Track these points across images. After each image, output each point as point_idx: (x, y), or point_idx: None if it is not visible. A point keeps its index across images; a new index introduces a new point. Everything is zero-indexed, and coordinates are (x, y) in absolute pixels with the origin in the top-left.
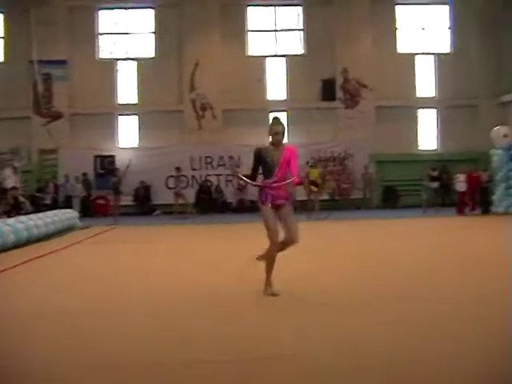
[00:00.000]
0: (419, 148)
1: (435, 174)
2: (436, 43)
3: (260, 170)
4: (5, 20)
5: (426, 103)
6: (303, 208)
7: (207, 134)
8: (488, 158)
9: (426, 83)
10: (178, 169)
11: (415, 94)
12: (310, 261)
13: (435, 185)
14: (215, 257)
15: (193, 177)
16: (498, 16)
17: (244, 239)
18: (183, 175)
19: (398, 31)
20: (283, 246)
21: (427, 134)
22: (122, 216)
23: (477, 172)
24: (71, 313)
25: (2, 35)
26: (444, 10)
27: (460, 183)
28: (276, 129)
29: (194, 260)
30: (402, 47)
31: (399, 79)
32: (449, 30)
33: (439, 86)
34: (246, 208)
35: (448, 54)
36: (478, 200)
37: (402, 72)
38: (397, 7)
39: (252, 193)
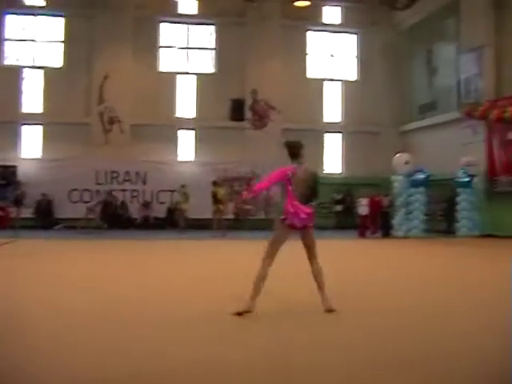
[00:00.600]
0: (324, 171)
1: (339, 197)
2: (344, 70)
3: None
4: None
5: (332, 128)
6: (208, 227)
7: (114, 149)
8: (389, 183)
9: (332, 108)
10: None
11: (322, 118)
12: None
13: (339, 208)
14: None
15: (97, 191)
16: (402, 50)
17: (150, 255)
18: (88, 189)
19: (307, 56)
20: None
21: (332, 158)
22: (22, 229)
23: (379, 197)
24: None
25: None
26: (352, 39)
27: (362, 207)
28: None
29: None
30: (311, 72)
31: (307, 103)
32: (356, 59)
33: (345, 111)
34: (151, 225)
35: (354, 81)
36: (379, 224)
37: (310, 96)
38: (308, 33)
39: (157, 209)
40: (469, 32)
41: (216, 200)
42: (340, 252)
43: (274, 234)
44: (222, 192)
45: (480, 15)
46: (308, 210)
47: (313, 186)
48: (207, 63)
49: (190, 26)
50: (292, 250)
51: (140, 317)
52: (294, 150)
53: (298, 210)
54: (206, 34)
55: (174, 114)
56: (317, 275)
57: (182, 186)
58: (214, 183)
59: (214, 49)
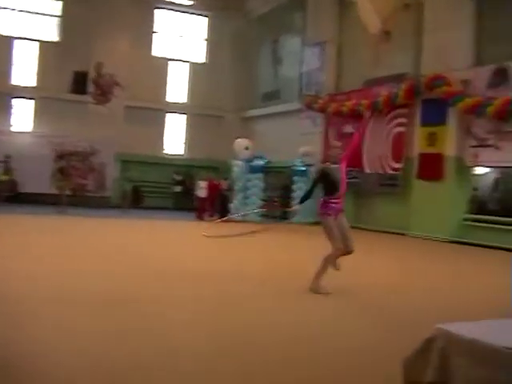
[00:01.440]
0: (165, 152)
1: (179, 178)
2: (192, 52)
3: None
4: None
5: (176, 108)
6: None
7: None
8: (229, 167)
9: (178, 89)
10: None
11: (166, 98)
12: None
13: (178, 189)
14: None
15: None
16: (251, 37)
17: None
18: None
19: (155, 35)
20: (344, 252)
21: (175, 139)
22: None
23: (218, 180)
24: None
25: None
26: (203, 22)
27: (201, 189)
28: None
29: None
30: (159, 51)
31: (152, 82)
32: (205, 42)
33: (191, 93)
34: None
35: (202, 64)
36: (217, 207)
37: (156, 75)
38: (156, 11)
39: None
40: (314, 27)
41: (62, 175)
42: (177, 234)
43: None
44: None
45: (325, 12)
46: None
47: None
48: (51, 31)
49: None
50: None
51: None
52: None
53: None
54: (52, 0)
55: (10, 81)
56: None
57: (7, 157)
58: (61, 157)
59: (60, 16)
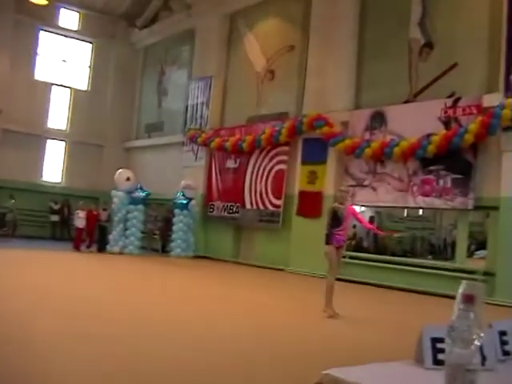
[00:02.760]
0: (43, 179)
1: (57, 207)
2: (74, 78)
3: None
4: None
5: (56, 135)
6: None
7: None
8: (109, 198)
9: (58, 115)
10: None
11: (46, 123)
12: None
13: (56, 218)
14: None
15: None
16: (137, 67)
17: None
18: None
19: (37, 57)
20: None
21: (53, 166)
22: None
23: (97, 210)
24: None
25: None
26: (87, 48)
27: (79, 219)
28: (344, 194)
29: None
30: (40, 75)
31: (32, 106)
32: (89, 69)
33: (71, 120)
34: None
35: (85, 91)
36: (95, 238)
37: (36, 99)
38: (41, 33)
39: None
40: (200, 61)
41: None
42: (54, 265)
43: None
44: None
45: (212, 47)
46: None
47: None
48: None
49: None
50: None
51: None
52: None
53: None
54: None
55: None
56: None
57: None
58: None
59: None
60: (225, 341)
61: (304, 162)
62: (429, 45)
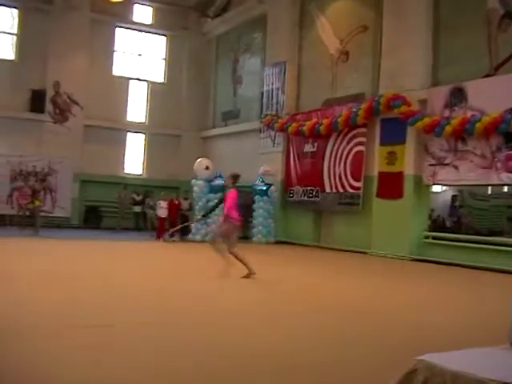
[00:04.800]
0: (125, 171)
1: (139, 198)
2: (151, 71)
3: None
4: None
5: (136, 128)
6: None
7: None
8: (189, 187)
9: (137, 108)
10: None
11: (125, 117)
12: None
13: (138, 209)
14: None
15: None
16: (210, 56)
17: None
18: None
19: (115, 54)
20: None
21: (134, 159)
22: None
23: (178, 199)
24: None
25: None
26: (161, 41)
27: (161, 209)
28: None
29: None
30: (118, 70)
31: (111, 101)
32: (164, 61)
33: (150, 113)
34: None
35: (161, 83)
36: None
37: (115, 94)
38: (117, 30)
39: None
40: (273, 47)
41: (33, 195)
42: (138, 254)
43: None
44: (39, 188)
45: (284, 32)
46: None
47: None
48: (7, 49)
49: None
50: None
51: None
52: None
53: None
54: (8, 18)
55: None
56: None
57: None
58: (18, 177)
59: (16, 34)
60: (333, 327)
61: (382, 143)
62: (508, 15)
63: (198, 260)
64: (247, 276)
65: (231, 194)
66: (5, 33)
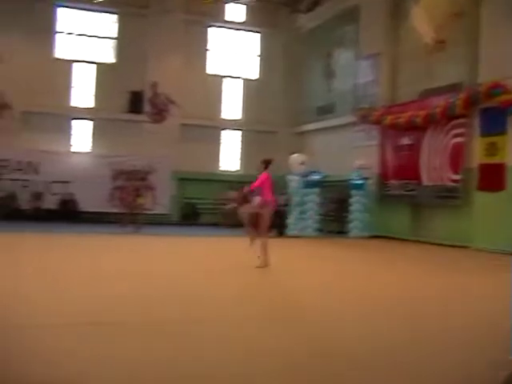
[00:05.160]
0: (221, 168)
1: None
2: (244, 68)
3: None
4: None
5: (231, 125)
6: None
7: (3, 136)
8: (284, 182)
9: (232, 106)
10: None
11: (221, 115)
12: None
13: (235, 205)
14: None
15: None
16: (302, 51)
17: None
18: None
19: (209, 52)
20: None
21: (230, 155)
22: None
23: (274, 195)
24: None
25: None
26: (255, 38)
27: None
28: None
29: None
30: (212, 68)
31: (206, 99)
32: (258, 58)
33: (244, 109)
34: (42, 216)
35: (255, 80)
36: (274, 222)
37: (210, 92)
38: (210, 29)
39: (49, 201)
40: (366, 39)
41: (138, 194)
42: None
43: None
44: (142, 186)
45: (378, 24)
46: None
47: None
48: (107, 53)
49: (92, 14)
50: None
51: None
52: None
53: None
54: (107, 23)
55: (69, 103)
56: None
57: None
58: (119, 176)
59: (115, 38)
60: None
61: (482, 134)
62: None
63: (297, 255)
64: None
65: (262, 176)
66: (105, 37)
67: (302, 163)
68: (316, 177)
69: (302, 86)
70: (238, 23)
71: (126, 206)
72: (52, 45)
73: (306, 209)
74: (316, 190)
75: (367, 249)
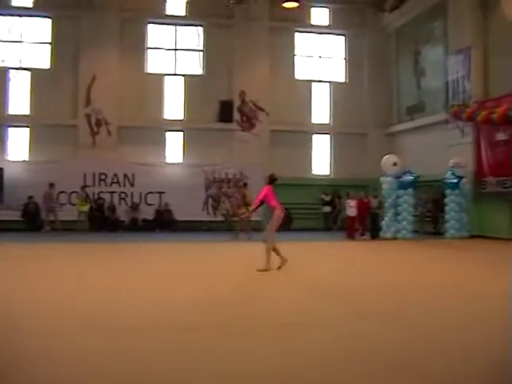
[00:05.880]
0: (312, 173)
1: (327, 198)
2: (331, 72)
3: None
4: None
5: (320, 129)
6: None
7: (101, 151)
8: (377, 184)
9: (320, 110)
10: (51, 185)
11: (310, 119)
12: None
13: (327, 209)
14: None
15: (86, 194)
16: (390, 51)
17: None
18: (76, 192)
19: (295, 58)
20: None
21: (320, 160)
22: (8, 232)
23: (367, 198)
24: None
25: None
26: (340, 41)
27: (351, 208)
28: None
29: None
30: (299, 74)
31: (295, 105)
32: (344, 60)
33: (333, 113)
34: (139, 227)
35: (342, 83)
36: (368, 225)
37: (298, 98)
38: (296, 34)
39: (146, 211)
40: (456, 33)
41: (244, 202)
42: (329, 254)
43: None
44: (248, 194)
45: (467, 17)
46: None
47: None
48: (195, 65)
49: (178, 28)
50: None
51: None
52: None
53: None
54: (194, 36)
55: (162, 115)
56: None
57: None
58: (245, 185)
59: (202, 50)
60: None
61: None
62: None
63: (390, 260)
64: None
65: (264, 189)
66: (193, 50)
67: (395, 164)
68: (409, 177)
69: (390, 86)
70: (323, 27)
71: (232, 215)
72: (144, 60)
73: (400, 210)
74: (410, 190)
75: (469, 249)
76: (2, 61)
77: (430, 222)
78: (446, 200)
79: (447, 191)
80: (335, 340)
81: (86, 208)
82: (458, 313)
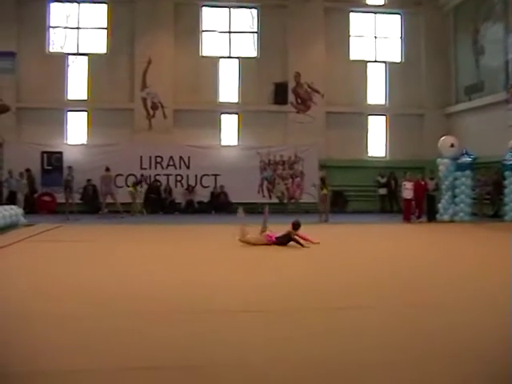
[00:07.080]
0: (368, 154)
1: (383, 180)
2: (387, 52)
3: None
4: None
5: (376, 110)
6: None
7: (157, 134)
8: (433, 166)
9: (376, 91)
10: (107, 169)
11: (366, 100)
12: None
13: (383, 191)
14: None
15: (142, 176)
16: (447, 30)
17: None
18: (133, 174)
19: (350, 38)
20: None
21: (376, 141)
22: (70, 214)
23: (424, 180)
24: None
25: None
26: (396, 20)
27: (407, 191)
28: None
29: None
30: (355, 54)
31: (350, 86)
32: (400, 40)
33: (389, 94)
34: (195, 209)
35: (399, 63)
36: (425, 208)
37: (354, 79)
38: (351, 15)
39: (201, 194)
40: None
41: (324, 184)
42: (385, 237)
43: None
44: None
45: None
46: None
47: None
48: (249, 47)
49: (232, 10)
50: None
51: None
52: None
53: None
54: (248, 18)
55: (217, 98)
56: None
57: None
58: (322, 167)
59: (256, 32)
60: None
61: None
62: None
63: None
64: None
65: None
66: (248, 32)
67: (452, 145)
68: (467, 159)
69: (448, 66)
70: (378, 6)
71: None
72: (198, 43)
73: (458, 193)
74: (467, 172)
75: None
76: (61, 47)
77: (489, 205)
78: (506, 182)
79: (506, 173)
80: (394, 323)
81: (134, 190)
82: None
